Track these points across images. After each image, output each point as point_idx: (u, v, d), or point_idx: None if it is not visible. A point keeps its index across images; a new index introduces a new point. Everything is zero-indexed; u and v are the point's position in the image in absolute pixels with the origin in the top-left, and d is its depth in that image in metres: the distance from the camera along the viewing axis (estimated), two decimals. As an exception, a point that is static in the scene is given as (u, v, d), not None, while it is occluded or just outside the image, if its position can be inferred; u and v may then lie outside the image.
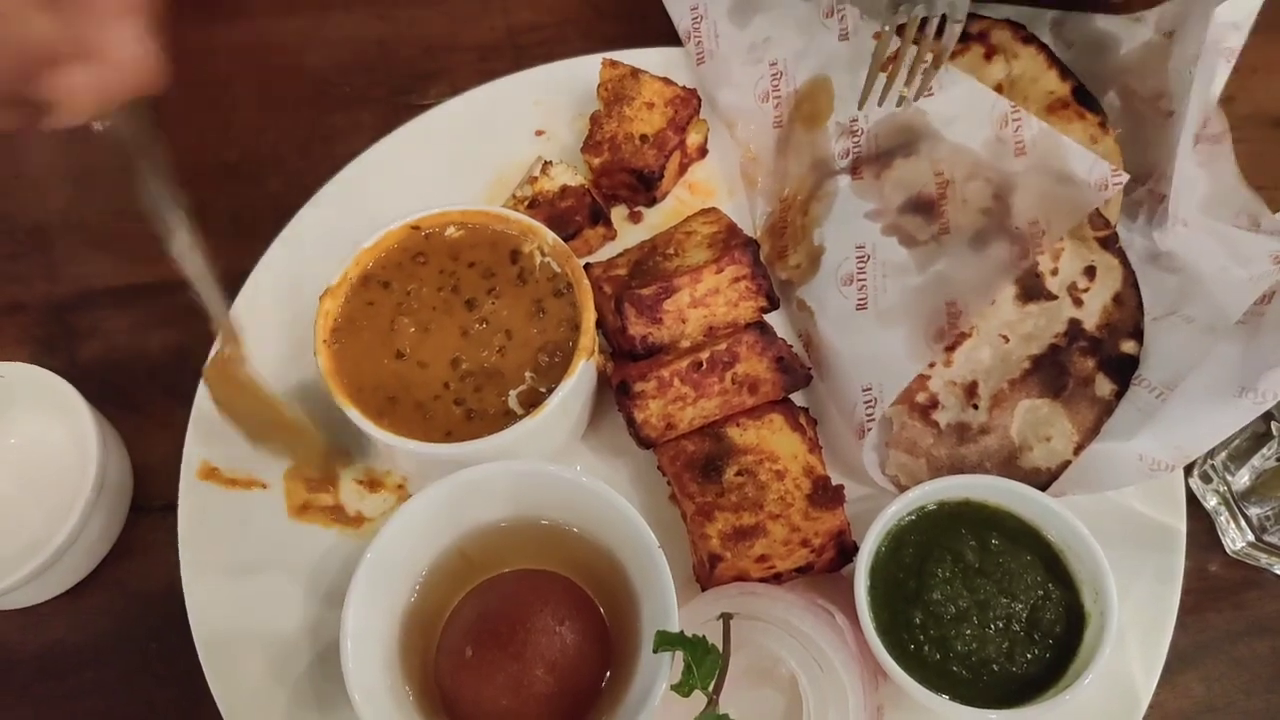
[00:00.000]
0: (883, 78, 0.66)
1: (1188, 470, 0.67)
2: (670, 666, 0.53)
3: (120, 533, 0.68)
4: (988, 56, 0.73)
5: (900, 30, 0.66)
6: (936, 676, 0.56)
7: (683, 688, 0.52)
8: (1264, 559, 0.65)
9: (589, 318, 0.61)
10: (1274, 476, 0.61)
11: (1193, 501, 0.67)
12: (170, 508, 0.67)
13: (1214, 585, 0.66)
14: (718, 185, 0.76)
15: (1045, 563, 0.58)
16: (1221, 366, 0.58)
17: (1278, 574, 0.66)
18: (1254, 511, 0.64)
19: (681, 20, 0.79)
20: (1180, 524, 0.62)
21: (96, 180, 0.81)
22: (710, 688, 0.52)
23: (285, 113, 0.84)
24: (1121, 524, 0.62)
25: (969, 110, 0.69)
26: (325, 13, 0.89)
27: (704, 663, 0.52)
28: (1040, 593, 0.57)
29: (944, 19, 0.67)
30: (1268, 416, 0.60)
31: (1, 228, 0.80)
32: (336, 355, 0.62)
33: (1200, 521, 0.67)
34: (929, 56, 0.64)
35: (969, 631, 0.57)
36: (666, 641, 0.52)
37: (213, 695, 0.61)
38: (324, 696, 0.61)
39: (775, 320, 0.69)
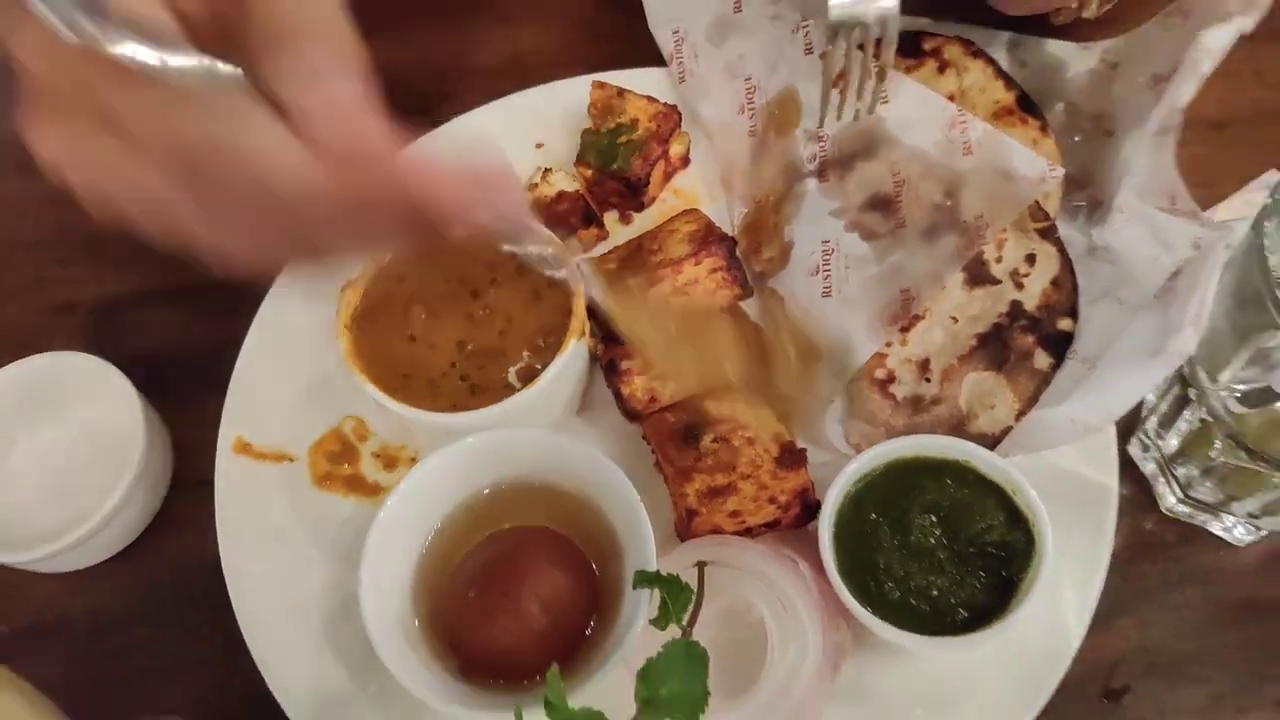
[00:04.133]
0: (836, 94, 0.74)
1: (1126, 438, 0.74)
2: (648, 603, 0.60)
3: (161, 506, 0.76)
4: (941, 70, 0.81)
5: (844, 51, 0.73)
6: (896, 613, 0.62)
7: (660, 621, 0.58)
8: (1195, 515, 0.72)
9: (579, 304, 0.69)
10: (1197, 438, 0.68)
11: (1133, 467, 0.74)
12: (206, 484, 0.74)
13: (1150, 541, 0.72)
14: (700, 190, 0.84)
15: (995, 505, 0.64)
16: (1140, 335, 0.65)
17: (1209, 529, 0.72)
18: (1181, 472, 0.70)
19: (665, 43, 0.87)
20: (1113, 482, 0.69)
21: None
22: (684, 621, 0.59)
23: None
24: (1061, 483, 0.69)
25: (922, 116, 0.77)
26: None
27: (679, 599, 0.59)
28: (989, 534, 0.63)
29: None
30: (1185, 384, 0.67)
31: (56, 238, 0.88)
32: (356, 340, 0.69)
33: (1140, 485, 0.74)
34: (873, 73, 0.72)
35: (926, 570, 0.63)
36: (645, 580, 0.59)
37: (247, 645, 0.68)
38: (346, 641, 0.68)
39: (750, 308, 0.76)
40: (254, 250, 0.52)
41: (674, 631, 0.59)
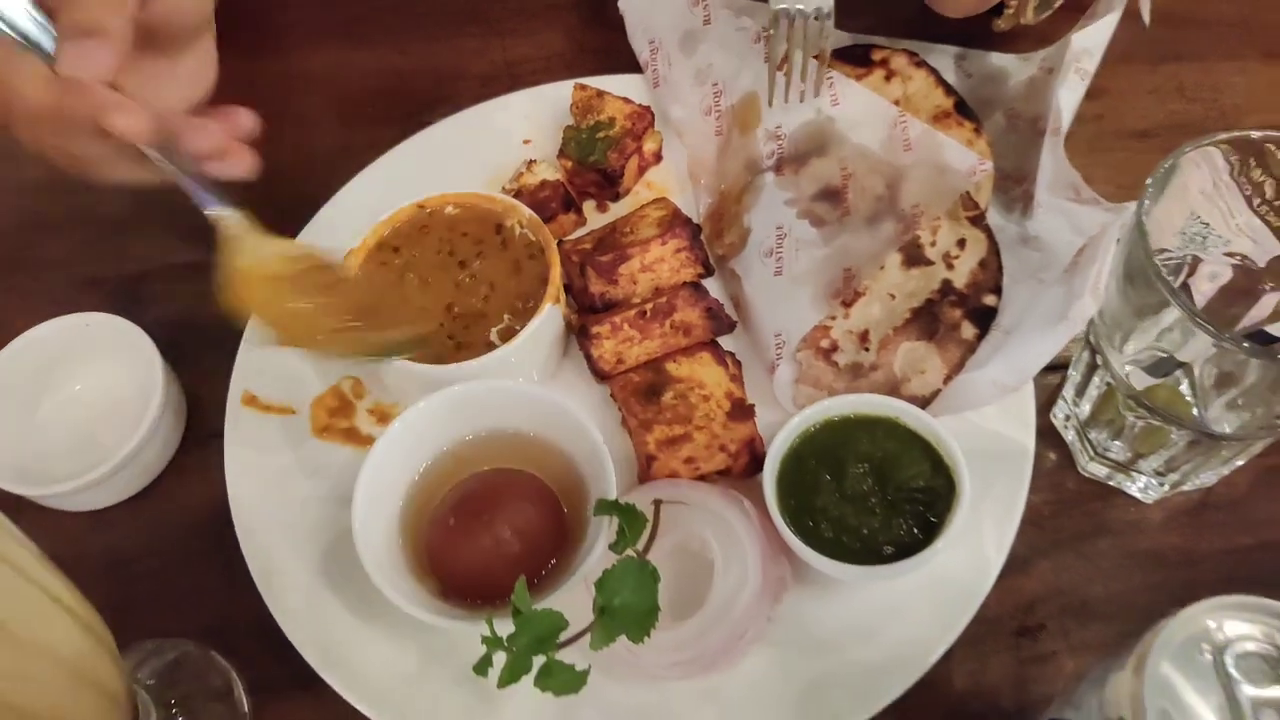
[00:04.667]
0: (781, 78, 0.82)
1: (1049, 408, 0.82)
2: (608, 529, 0.67)
3: (174, 455, 0.83)
4: (888, 78, 0.90)
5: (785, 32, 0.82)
6: (831, 549, 0.70)
7: (618, 545, 0.66)
8: (1111, 476, 0.79)
9: (555, 273, 0.77)
10: (1104, 402, 0.75)
11: (1056, 434, 0.82)
12: (216, 436, 0.82)
13: (1068, 499, 0.80)
14: (670, 183, 0.93)
15: (920, 455, 0.71)
16: (1049, 305, 0.73)
17: (1123, 489, 0.80)
18: (1094, 434, 0.78)
19: (641, 52, 0.96)
20: (1029, 439, 0.76)
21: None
22: (639, 545, 0.67)
23: (316, 130, 1.00)
24: (985, 440, 0.76)
25: (868, 117, 0.86)
26: (352, 49, 1.07)
27: (635, 525, 0.66)
28: (918, 479, 0.71)
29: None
30: (1094, 352, 0.75)
31: (85, 218, 0.97)
32: (357, 301, 0.78)
33: (1061, 450, 0.82)
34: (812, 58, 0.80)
35: (859, 512, 0.70)
36: (605, 508, 0.67)
37: (249, 578, 0.76)
38: (340, 572, 0.75)
39: (711, 286, 0.85)
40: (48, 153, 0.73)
41: (631, 556, 0.66)
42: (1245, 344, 0.60)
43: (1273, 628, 0.47)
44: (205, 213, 0.74)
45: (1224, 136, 0.66)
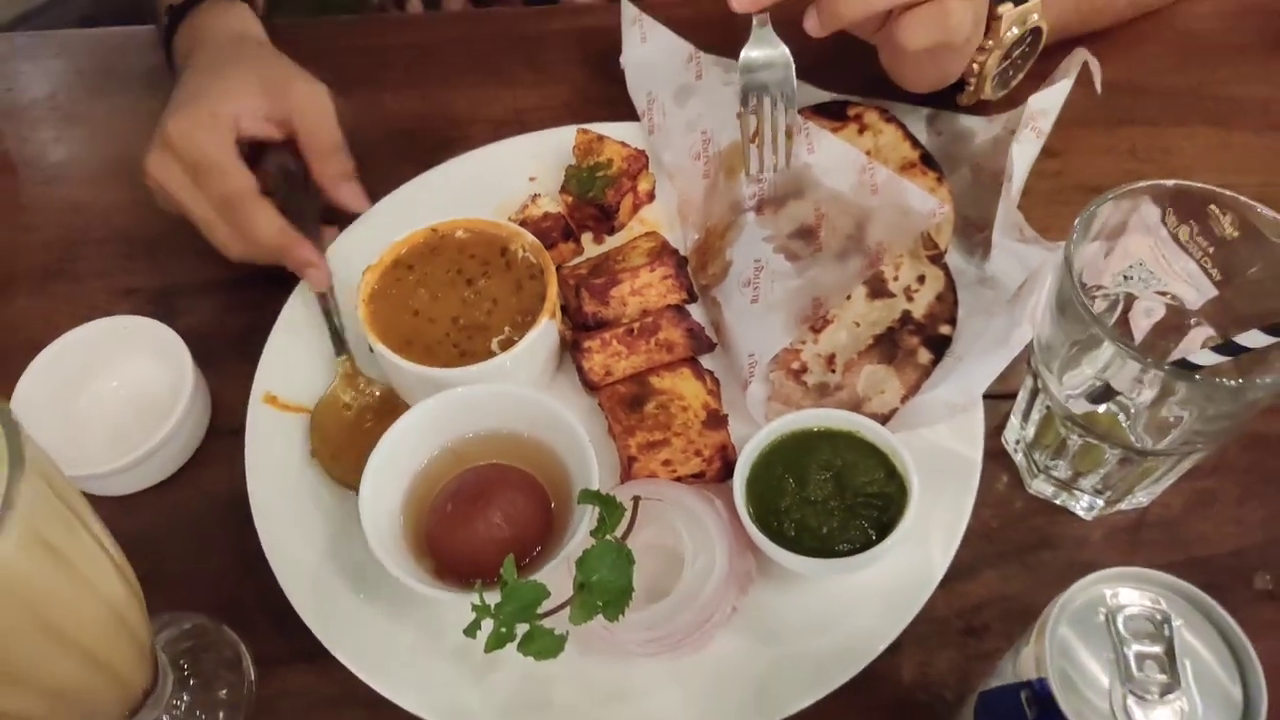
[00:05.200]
0: (754, 148, 0.92)
1: (1000, 431, 0.89)
2: (590, 518, 0.74)
3: (198, 448, 0.91)
4: (860, 131, 0.99)
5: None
6: (793, 546, 0.76)
7: (598, 531, 0.73)
8: (1056, 495, 0.86)
9: (553, 291, 0.86)
10: (1045, 425, 0.83)
11: (1006, 456, 0.89)
12: (236, 432, 0.90)
13: (1016, 514, 0.87)
14: (661, 220, 1.01)
15: (876, 465, 0.79)
16: (994, 332, 0.81)
17: (1067, 507, 0.87)
18: (1038, 455, 0.86)
19: (639, 103, 1.06)
20: (977, 455, 0.84)
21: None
22: (618, 533, 0.74)
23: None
24: (937, 455, 0.83)
25: (841, 164, 0.95)
26: (378, 93, 1.17)
27: (614, 514, 0.74)
28: (873, 486, 0.78)
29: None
30: (1035, 378, 0.82)
31: (123, 237, 1.06)
32: (372, 312, 0.86)
33: (1011, 471, 0.89)
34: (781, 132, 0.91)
35: (819, 514, 0.77)
36: (588, 497, 0.74)
37: (263, 560, 0.83)
38: (346, 555, 0.82)
39: (695, 311, 0.93)
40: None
41: (610, 540, 0.73)
42: (1149, 359, 0.68)
43: (1156, 594, 0.54)
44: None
45: (1143, 185, 0.74)
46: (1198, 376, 0.69)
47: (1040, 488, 0.87)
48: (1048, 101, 0.95)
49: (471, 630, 0.67)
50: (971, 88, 1.00)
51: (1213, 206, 0.75)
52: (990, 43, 0.94)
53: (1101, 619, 0.54)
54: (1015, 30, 0.94)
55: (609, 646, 0.75)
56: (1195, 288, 0.82)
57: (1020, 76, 1.02)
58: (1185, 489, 0.86)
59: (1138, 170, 1.08)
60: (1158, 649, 0.52)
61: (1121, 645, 0.53)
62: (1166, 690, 0.51)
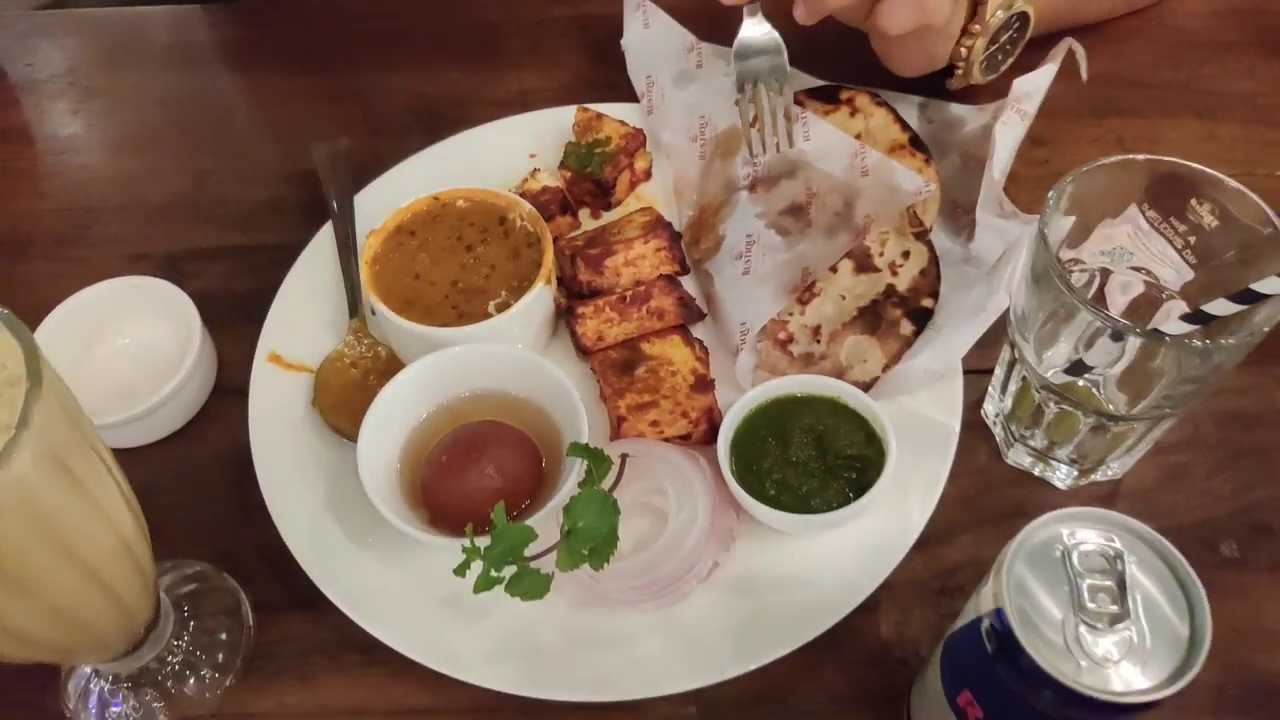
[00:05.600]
0: (754, 131, 0.95)
1: (980, 404, 0.92)
2: (579, 471, 0.77)
3: (203, 405, 0.94)
4: (852, 114, 1.02)
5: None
6: (774, 504, 0.79)
7: (586, 484, 0.76)
8: (1034, 466, 0.89)
9: (549, 258, 0.89)
10: (1021, 396, 0.86)
11: (985, 428, 0.92)
12: (241, 392, 0.93)
13: (993, 484, 0.89)
14: (658, 198, 1.04)
15: (856, 429, 0.81)
16: (973, 301, 0.84)
17: (1044, 478, 0.89)
18: (1015, 426, 0.88)
19: (639, 85, 1.09)
20: (955, 423, 0.86)
21: (207, 178, 1.12)
22: (604, 485, 0.77)
23: (352, 137, 1.12)
24: (917, 422, 0.86)
25: (833, 148, 0.98)
26: (387, 72, 1.20)
27: (601, 467, 0.76)
28: (852, 448, 0.81)
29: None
30: (1013, 349, 0.85)
31: (137, 204, 1.10)
32: (375, 274, 0.89)
33: (990, 442, 0.92)
34: (781, 114, 0.95)
35: (801, 475, 0.80)
36: (577, 450, 0.77)
37: (264, 511, 0.85)
38: (344, 506, 0.84)
39: (687, 284, 0.96)
40: None
41: (597, 489, 0.76)
42: (1122, 323, 0.71)
43: (1110, 532, 0.57)
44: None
45: (1115, 159, 0.77)
46: (1168, 340, 0.72)
47: (1018, 459, 0.90)
48: (1031, 85, 0.98)
49: (461, 570, 0.70)
50: (960, 72, 1.03)
51: (1192, 197, 0.78)
52: (977, 27, 0.97)
53: (1058, 555, 0.57)
54: (1001, 14, 0.97)
55: (594, 595, 0.78)
56: (1174, 270, 0.85)
57: (1009, 61, 1.05)
58: (1159, 462, 0.89)
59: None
60: (1109, 582, 0.55)
61: (1075, 579, 0.56)
62: (1116, 620, 0.54)
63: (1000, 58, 1.04)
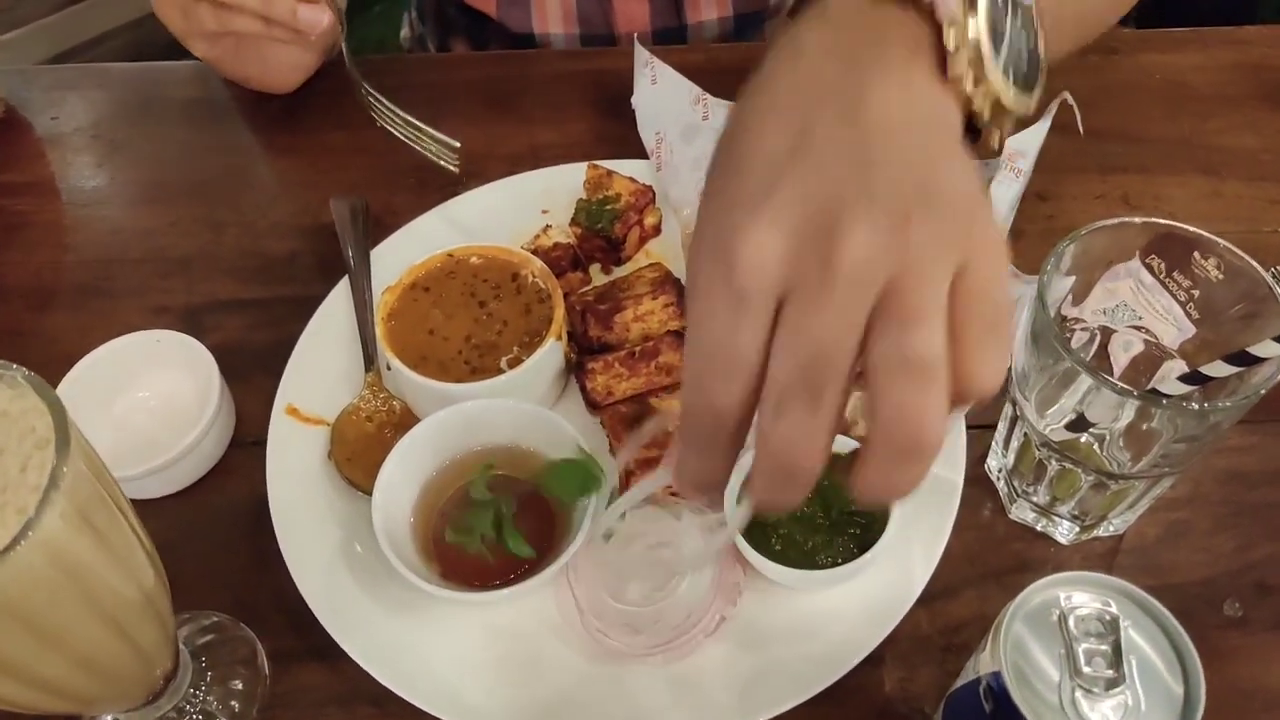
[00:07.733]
0: None
1: (984, 459, 0.94)
2: (588, 528, 0.79)
3: (221, 457, 0.96)
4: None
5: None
6: (779, 559, 0.81)
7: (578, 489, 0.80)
8: (1037, 521, 0.90)
9: (559, 314, 0.91)
10: (1023, 453, 0.87)
11: (990, 482, 0.93)
12: (258, 443, 0.95)
13: (997, 539, 0.90)
14: (667, 253, 1.07)
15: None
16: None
17: (1047, 533, 0.90)
18: (1018, 482, 0.90)
19: (648, 141, 1.12)
20: (958, 477, 0.88)
21: (225, 230, 1.15)
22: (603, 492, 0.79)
23: (367, 193, 1.15)
24: (920, 478, 0.88)
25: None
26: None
27: (593, 481, 0.80)
28: (856, 505, 0.83)
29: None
30: (1015, 406, 0.87)
31: (158, 257, 1.12)
32: (390, 330, 0.92)
33: (994, 498, 0.93)
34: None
35: (806, 531, 0.81)
36: (562, 465, 0.80)
37: (280, 562, 0.87)
38: (359, 559, 0.86)
39: (694, 338, 0.98)
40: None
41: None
42: (1119, 386, 0.72)
43: (1107, 597, 0.58)
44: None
45: (1115, 221, 0.79)
46: (1165, 402, 0.73)
47: (1021, 514, 0.91)
48: (1024, 142, 1.00)
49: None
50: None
51: (1195, 253, 0.79)
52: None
53: (1055, 619, 0.58)
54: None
55: (603, 650, 0.79)
56: (1176, 326, 0.86)
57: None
58: (1161, 519, 0.90)
59: (1128, 215, 1.12)
60: (1105, 646, 0.56)
61: (1072, 642, 0.57)
62: (1112, 684, 0.55)
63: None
